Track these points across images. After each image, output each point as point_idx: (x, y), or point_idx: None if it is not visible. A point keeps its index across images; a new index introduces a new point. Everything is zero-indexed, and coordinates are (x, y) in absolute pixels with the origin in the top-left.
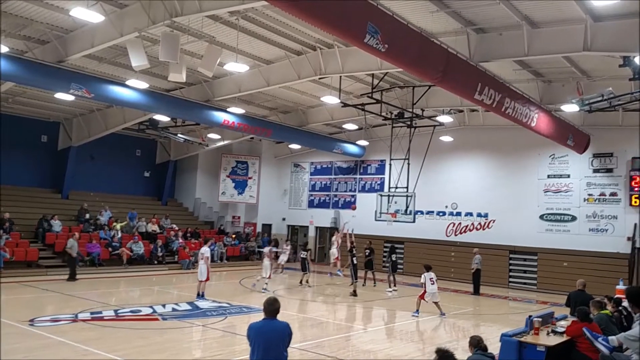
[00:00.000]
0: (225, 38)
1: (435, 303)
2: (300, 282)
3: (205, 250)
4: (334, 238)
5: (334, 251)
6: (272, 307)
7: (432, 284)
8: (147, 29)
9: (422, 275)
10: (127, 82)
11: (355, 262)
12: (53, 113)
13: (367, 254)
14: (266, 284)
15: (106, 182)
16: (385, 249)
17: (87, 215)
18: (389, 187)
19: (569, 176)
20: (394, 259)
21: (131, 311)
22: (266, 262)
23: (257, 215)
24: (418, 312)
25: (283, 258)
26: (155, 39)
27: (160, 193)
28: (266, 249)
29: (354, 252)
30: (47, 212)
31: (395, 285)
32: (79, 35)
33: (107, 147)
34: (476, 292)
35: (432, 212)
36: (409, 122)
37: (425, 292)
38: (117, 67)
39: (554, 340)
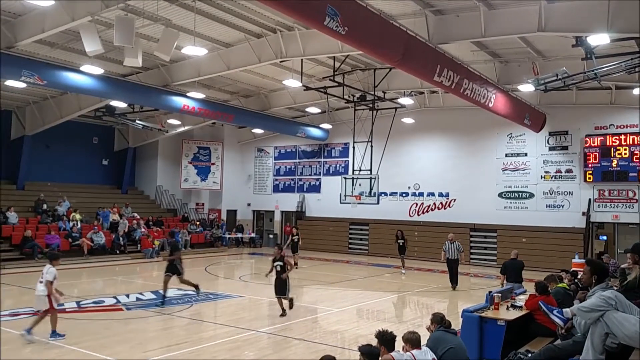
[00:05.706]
0: (182, 21)
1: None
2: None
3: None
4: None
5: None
6: None
7: (40, 282)
8: (101, 12)
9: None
10: (81, 68)
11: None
12: (4, 101)
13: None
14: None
15: (63, 172)
16: (350, 231)
17: (45, 206)
18: (353, 170)
19: (526, 154)
20: (401, 244)
21: (94, 302)
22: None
23: (221, 201)
24: (56, 334)
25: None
26: (110, 23)
27: (119, 181)
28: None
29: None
30: (2, 204)
31: (403, 267)
32: (29, 19)
33: (62, 136)
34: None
35: (396, 193)
36: (371, 105)
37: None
38: (70, 53)
39: (513, 315)
